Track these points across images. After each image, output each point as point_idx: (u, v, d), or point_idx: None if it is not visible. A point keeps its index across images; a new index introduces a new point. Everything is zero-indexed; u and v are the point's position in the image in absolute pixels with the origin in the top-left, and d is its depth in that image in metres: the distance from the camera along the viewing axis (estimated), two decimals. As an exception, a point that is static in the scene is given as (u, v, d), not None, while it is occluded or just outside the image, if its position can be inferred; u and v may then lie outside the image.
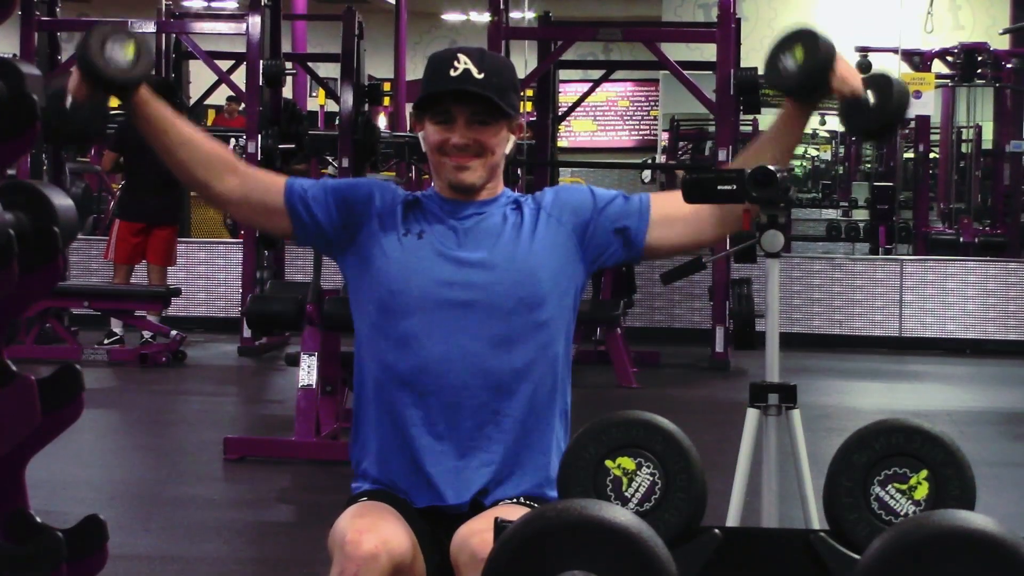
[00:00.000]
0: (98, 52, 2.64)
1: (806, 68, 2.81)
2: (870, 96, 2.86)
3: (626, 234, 2.83)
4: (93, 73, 2.64)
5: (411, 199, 2.83)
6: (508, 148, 2.81)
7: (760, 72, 10.11)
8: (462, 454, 2.73)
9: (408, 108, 14.97)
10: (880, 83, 2.88)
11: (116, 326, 9.79)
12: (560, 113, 12.25)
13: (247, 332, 9.67)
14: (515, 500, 2.73)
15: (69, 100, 2.69)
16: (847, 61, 2.86)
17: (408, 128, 14.12)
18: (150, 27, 11.16)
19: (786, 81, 2.83)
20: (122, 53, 2.66)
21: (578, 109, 13.88)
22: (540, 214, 2.81)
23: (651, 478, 2.30)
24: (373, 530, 2.57)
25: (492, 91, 2.73)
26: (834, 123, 16.18)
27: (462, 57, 2.75)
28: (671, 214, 2.85)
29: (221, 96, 15.69)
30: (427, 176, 2.88)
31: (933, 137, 13.73)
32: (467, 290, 2.73)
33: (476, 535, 2.57)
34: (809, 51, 2.82)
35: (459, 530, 2.64)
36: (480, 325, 2.72)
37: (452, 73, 2.73)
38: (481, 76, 2.73)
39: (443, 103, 2.75)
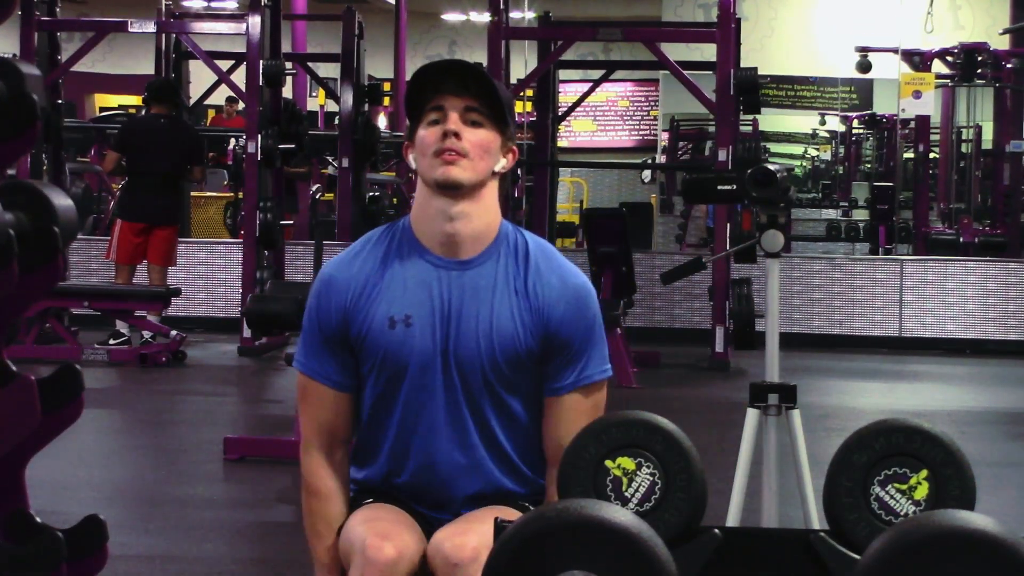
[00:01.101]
0: None
1: None
2: None
3: (543, 368, 2.70)
4: None
5: (381, 256, 2.69)
6: (499, 167, 2.70)
7: (760, 72, 10.12)
8: (441, 497, 2.74)
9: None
10: None
11: (122, 327, 9.80)
12: (560, 113, 12.25)
13: (247, 332, 9.67)
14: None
15: None
16: None
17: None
18: (150, 27, 11.16)
19: None
20: None
21: (578, 109, 13.88)
22: (541, 312, 2.67)
23: (651, 478, 2.30)
24: (393, 536, 2.58)
25: (488, 80, 2.66)
26: (834, 123, 16.19)
27: (452, 62, 2.70)
28: (550, 425, 2.71)
29: (221, 96, 15.70)
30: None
31: (933, 137, 13.72)
32: (457, 374, 2.67)
33: (448, 539, 2.58)
34: None
35: (435, 534, 2.64)
36: (469, 403, 2.69)
37: (443, 64, 2.67)
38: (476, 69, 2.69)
39: (437, 94, 2.65)
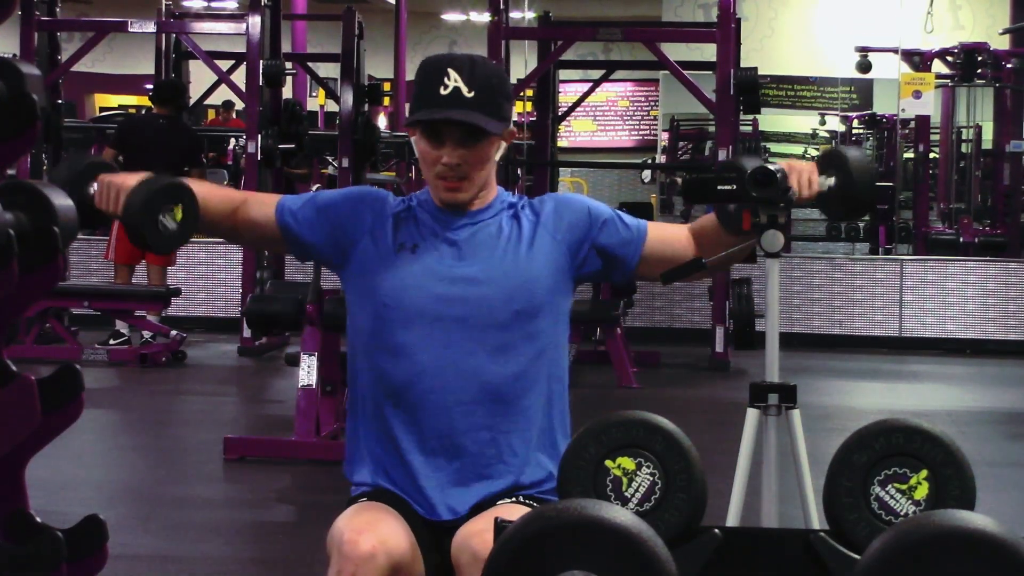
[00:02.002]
0: (152, 227, 2.65)
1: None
2: (832, 182, 2.86)
3: (616, 260, 2.83)
4: (144, 244, 2.69)
5: (402, 209, 2.81)
6: (500, 154, 2.79)
7: (760, 72, 10.12)
8: (459, 472, 2.72)
9: (408, 108, 14.99)
10: (837, 165, 2.86)
11: (122, 327, 9.80)
12: (560, 113, 12.25)
13: (247, 332, 9.67)
14: (514, 500, 2.73)
15: (92, 193, 2.69)
16: (799, 170, 2.86)
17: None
18: (150, 27, 11.16)
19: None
20: (171, 220, 2.68)
21: (578, 109, 13.89)
22: (538, 228, 2.79)
23: (651, 478, 2.30)
24: (371, 530, 2.57)
25: (482, 110, 2.68)
26: (834, 123, 16.19)
27: (452, 73, 2.68)
28: (665, 251, 2.86)
29: (221, 96, 15.70)
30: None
31: (933, 137, 13.72)
32: (462, 304, 2.71)
33: (476, 535, 2.57)
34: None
35: (460, 530, 2.64)
36: (475, 338, 2.70)
37: (442, 91, 2.67)
38: (471, 94, 2.67)
39: (432, 120, 2.70)
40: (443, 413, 2.70)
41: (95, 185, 2.72)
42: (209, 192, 2.82)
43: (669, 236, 2.89)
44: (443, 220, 2.77)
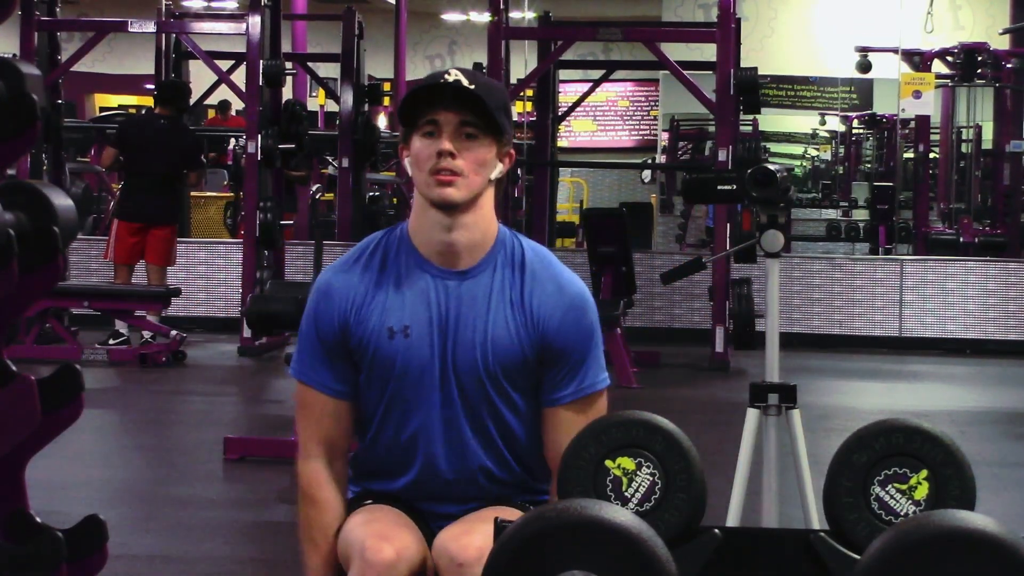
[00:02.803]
0: None
1: None
2: None
3: (540, 378, 2.69)
4: None
5: (378, 268, 2.68)
6: (495, 174, 2.67)
7: (760, 72, 10.12)
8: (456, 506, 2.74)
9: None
10: None
11: (121, 327, 9.79)
12: (560, 113, 12.25)
13: (247, 332, 9.67)
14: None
15: None
16: None
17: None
18: (150, 27, 11.16)
19: None
20: None
21: (578, 109, 13.88)
22: (538, 325, 2.65)
23: (651, 478, 2.30)
24: (392, 538, 2.58)
25: (482, 98, 2.62)
26: (834, 123, 16.19)
27: (453, 71, 2.65)
28: (550, 433, 2.70)
29: (221, 96, 15.70)
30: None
31: (933, 137, 13.72)
32: (458, 384, 2.66)
33: (453, 540, 2.58)
34: None
35: (440, 534, 2.64)
36: (469, 411, 2.68)
37: (440, 81, 2.62)
38: (473, 87, 2.62)
39: (431, 109, 2.62)
40: (442, 487, 2.72)
41: None
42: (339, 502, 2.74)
43: (562, 432, 2.64)
44: (436, 278, 2.67)
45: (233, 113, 17.50)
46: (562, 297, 2.68)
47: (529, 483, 2.76)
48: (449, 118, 2.61)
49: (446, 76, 2.64)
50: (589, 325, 2.69)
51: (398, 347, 2.65)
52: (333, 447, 2.72)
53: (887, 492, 2.29)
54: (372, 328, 2.66)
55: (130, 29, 10.87)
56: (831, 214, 15.94)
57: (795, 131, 16.50)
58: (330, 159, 13.07)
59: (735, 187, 2.86)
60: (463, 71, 2.67)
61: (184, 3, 19.42)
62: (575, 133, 20.64)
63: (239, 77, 10.75)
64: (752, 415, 3.04)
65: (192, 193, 13.23)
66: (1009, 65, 13.53)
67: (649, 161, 17.04)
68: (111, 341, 9.74)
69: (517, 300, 2.66)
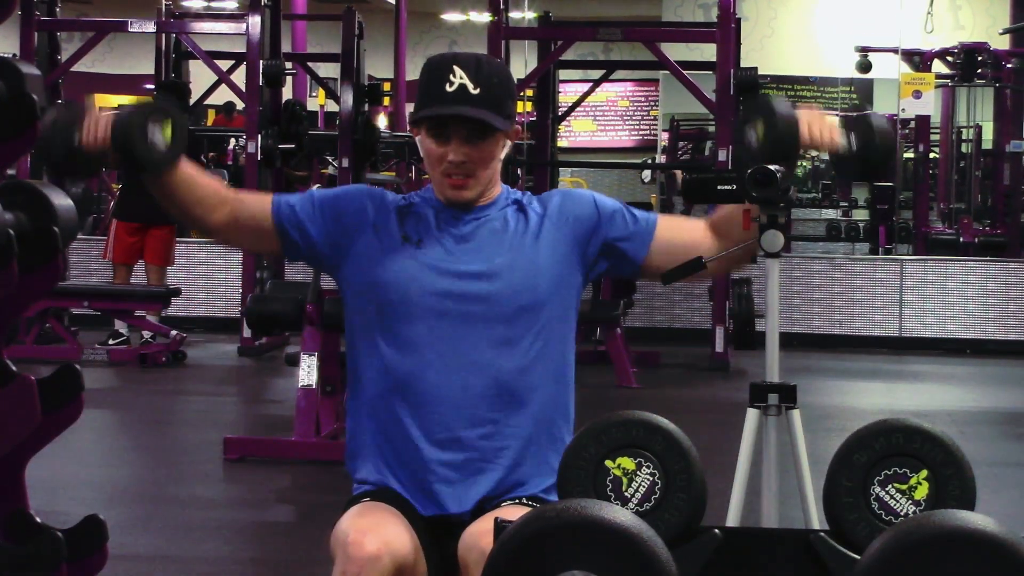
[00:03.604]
0: (140, 139, 2.58)
1: (767, 143, 2.84)
2: (852, 141, 2.85)
3: (624, 254, 2.82)
4: (131, 158, 2.61)
5: (404, 204, 2.80)
6: (504, 152, 2.79)
7: (760, 72, 10.13)
8: (465, 466, 2.71)
9: (408, 108, 14.99)
10: (862, 127, 2.87)
11: (121, 326, 9.80)
12: (560, 113, 12.25)
13: (247, 332, 9.67)
14: (518, 501, 2.73)
15: (77, 139, 2.60)
16: (818, 118, 2.85)
17: (408, 128, 14.19)
18: (150, 27, 11.16)
19: (752, 158, 2.85)
20: (160, 136, 2.61)
21: (578, 109, 13.88)
22: (544, 221, 2.79)
23: (651, 478, 2.30)
24: (375, 531, 2.57)
25: (488, 107, 2.69)
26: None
27: (458, 70, 2.69)
28: (674, 242, 2.84)
29: (221, 96, 15.71)
30: (427, 176, 2.89)
31: (933, 137, 13.72)
32: (467, 300, 2.71)
33: (485, 535, 2.56)
34: (769, 126, 2.84)
35: (468, 529, 2.64)
36: (481, 332, 2.71)
37: (448, 88, 2.68)
38: (477, 91, 2.68)
39: (440, 120, 2.71)
40: (449, 406, 2.70)
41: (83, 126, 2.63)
42: (198, 171, 2.79)
43: (681, 229, 2.88)
44: (447, 215, 2.77)
45: (237, 114, 17.50)
46: (560, 193, 2.86)
47: (525, 406, 2.74)
48: (457, 129, 2.71)
49: (451, 78, 2.69)
50: (587, 194, 2.87)
51: (409, 253, 2.73)
52: (234, 204, 2.80)
53: (887, 492, 2.29)
54: (388, 235, 2.75)
55: (130, 29, 10.87)
56: (831, 214, 15.94)
57: (795, 131, 16.47)
58: (330, 159, 13.07)
59: (735, 187, 2.85)
60: (467, 67, 2.71)
61: (184, 3, 19.43)
62: (575, 133, 20.65)
63: (239, 77, 10.76)
64: (752, 415, 3.04)
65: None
66: (1009, 65, 13.53)
67: (649, 161, 17.05)
68: (111, 341, 9.74)
69: (535, 218, 2.79)
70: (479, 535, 2.58)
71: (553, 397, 2.77)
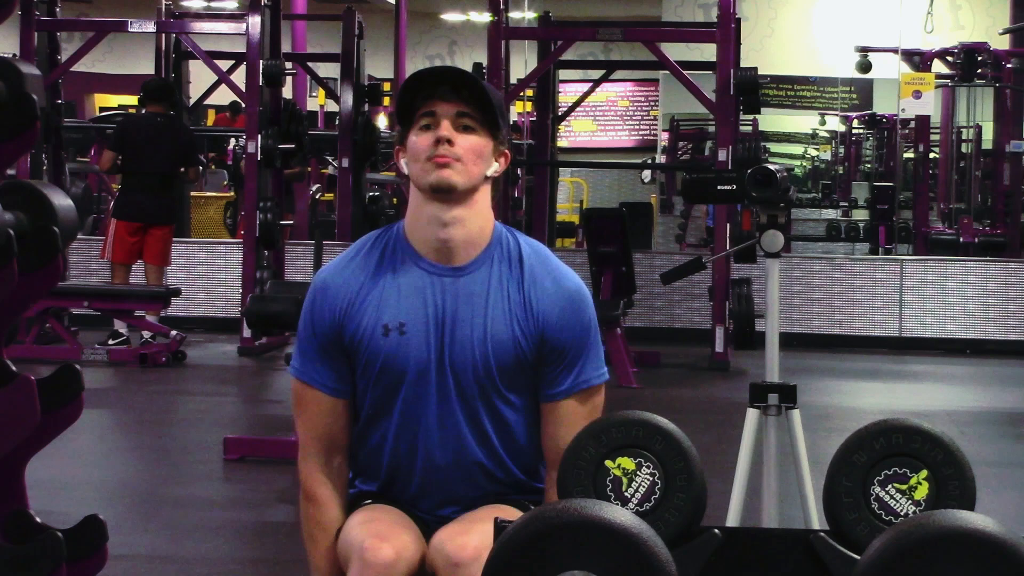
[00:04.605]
0: None
1: None
2: None
3: (539, 374, 2.70)
4: None
5: (372, 262, 2.69)
6: (491, 171, 2.68)
7: (760, 72, 10.12)
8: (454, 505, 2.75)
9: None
10: None
11: (120, 326, 9.79)
12: (560, 113, 12.25)
13: (247, 332, 9.67)
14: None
15: None
16: None
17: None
18: (150, 27, 11.15)
19: None
20: None
21: (578, 109, 13.88)
22: (537, 319, 2.67)
23: (651, 478, 2.30)
24: (390, 537, 2.58)
25: (479, 85, 2.66)
26: (834, 123, 16.19)
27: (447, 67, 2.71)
28: (547, 424, 2.71)
29: (221, 96, 15.72)
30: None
31: (933, 137, 13.72)
32: (449, 377, 2.67)
33: (450, 539, 2.58)
34: None
35: (436, 534, 2.65)
36: (460, 410, 2.69)
37: (436, 70, 2.67)
38: (465, 79, 2.67)
39: (428, 101, 2.64)
40: (435, 484, 2.72)
41: None
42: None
43: (560, 425, 2.69)
44: (429, 271, 2.67)
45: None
46: (560, 292, 2.69)
47: (527, 483, 2.76)
48: (447, 109, 2.64)
49: (439, 68, 2.68)
50: (587, 320, 2.70)
51: (393, 344, 2.65)
52: (332, 444, 2.73)
53: (887, 492, 2.29)
54: (366, 325, 2.66)
55: (130, 29, 10.87)
56: (831, 214, 15.94)
57: (795, 131, 16.50)
58: (330, 159, 13.07)
59: (735, 187, 2.85)
60: (453, 69, 2.70)
61: (184, 3, 19.43)
62: (575, 133, 20.64)
63: (239, 77, 10.75)
64: (752, 415, 3.04)
65: (192, 193, 13.23)
66: (1009, 65, 13.52)
67: (649, 161, 17.04)
68: (110, 341, 9.73)
69: (516, 296, 2.67)
70: (445, 539, 2.60)
71: (530, 458, 2.76)
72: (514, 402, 2.70)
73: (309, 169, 13.67)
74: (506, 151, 2.72)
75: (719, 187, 2.89)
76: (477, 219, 2.67)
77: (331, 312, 2.68)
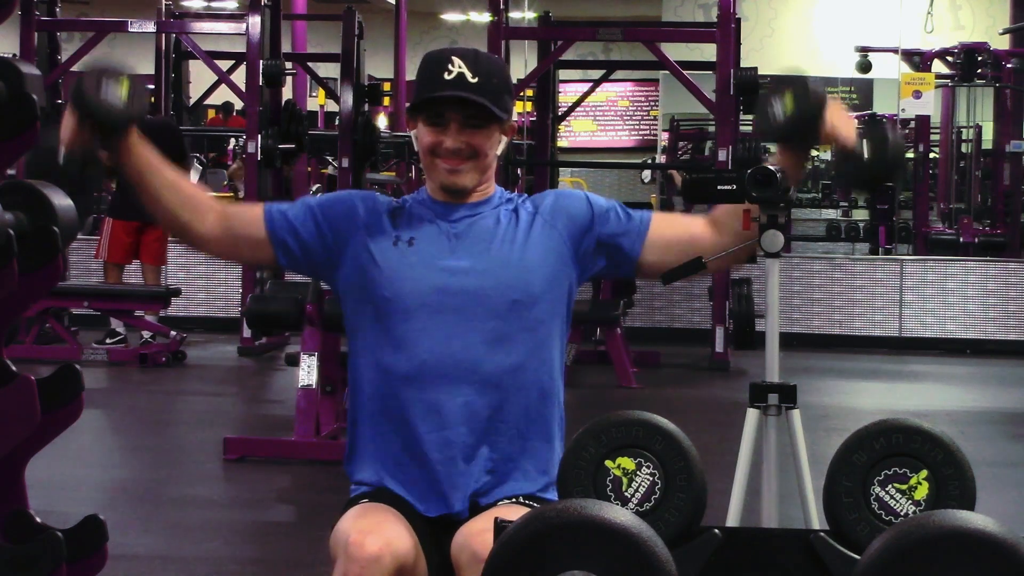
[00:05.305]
0: (94, 90, 2.58)
1: (794, 116, 2.79)
2: (864, 148, 2.83)
3: (619, 252, 2.83)
4: (88, 110, 2.57)
5: (397, 206, 2.82)
6: (500, 149, 2.80)
7: (760, 72, 10.12)
8: (459, 460, 2.72)
9: (409, 104, 14.95)
10: (876, 135, 2.85)
11: (117, 325, 9.79)
12: (560, 113, 12.25)
13: (247, 332, 9.67)
14: (514, 500, 2.73)
15: (62, 153, 2.62)
16: (842, 110, 2.83)
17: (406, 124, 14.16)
18: (150, 27, 11.16)
19: (775, 129, 2.82)
20: (116, 91, 2.60)
21: (578, 109, 13.88)
22: (536, 218, 2.80)
23: (651, 478, 2.30)
24: (376, 531, 2.57)
25: (486, 96, 2.72)
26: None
27: (456, 60, 2.73)
28: (669, 239, 2.84)
29: (221, 96, 15.73)
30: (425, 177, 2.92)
31: (933, 137, 13.72)
32: (460, 296, 2.72)
33: (477, 536, 2.57)
34: (799, 99, 2.80)
35: (460, 530, 2.64)
36: (474, 327, 2.71)
37: (446, 76, 2.71)
38: (475, 80, 2.71)
39: (437, 106, 2.73)
40: (443, 403, 2.71)
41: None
42: (177, 173, 2.79)
43: (678, 225, 2.88)
44: (441, 212, 2.78)
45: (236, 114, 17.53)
46: (559, 193, 2.88)
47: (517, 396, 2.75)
48: (454, 114, 2.73)
49: (449, 67, 2.72)
50: (580, 193, 2.88)
51: (401, 252, 2.74)
52: (228, 220, 2.79)
53: (887, 492, 2.29)
54: (380, 237, 2.76)
55: (130, 29, 10.87)
56: (831, 214, 15.95)
57: (795, 131, 16.48)
58: (330, 159, 13.07)
59: (735, 187, 2.85)
60: (465, 58, 2.75)
61: (184, 3, 19.43)
62: (575, 133, 20.65)
63: (239, 77, 10.76)
64: (752, 415, 3.04)
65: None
66: (1009, 65, 13.53)
67: (649, 161, 17.05)
68: (108, 340, 9.73)
69: (526, 217, 2.80)
70: (470, 536, 2.59)
71: (545, 392, 2.78)
72: (516, 330, 2.73)
73: (309, 169, 13.67)
74: (512, 124, 2.84)
75: (719, 187, 2.88)
76: (486, 188, 2.82)
77: (360, 215, 2.78)
